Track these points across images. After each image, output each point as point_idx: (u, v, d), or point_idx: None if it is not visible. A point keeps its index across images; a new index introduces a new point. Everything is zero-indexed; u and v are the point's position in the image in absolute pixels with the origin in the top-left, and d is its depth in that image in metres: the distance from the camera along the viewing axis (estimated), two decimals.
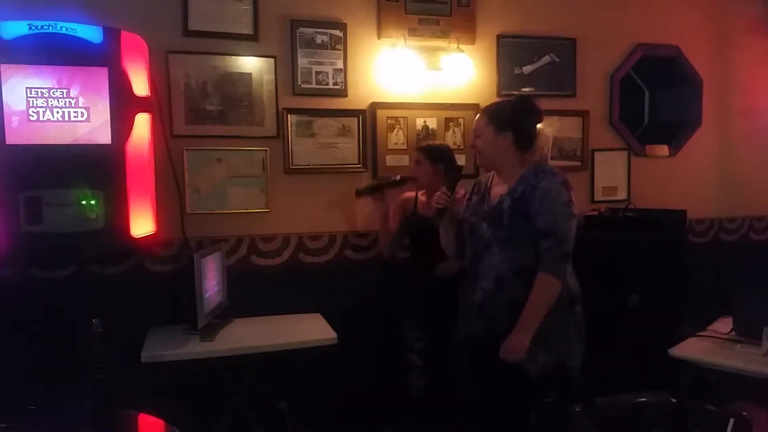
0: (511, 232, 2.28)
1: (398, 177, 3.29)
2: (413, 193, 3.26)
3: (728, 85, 4.29)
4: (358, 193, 3.28)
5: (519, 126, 2.34)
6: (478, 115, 2.45)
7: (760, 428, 1.88)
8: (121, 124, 2.65)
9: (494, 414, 2.34)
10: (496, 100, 2.71)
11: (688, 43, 4.13)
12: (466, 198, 2.55)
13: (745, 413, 1.65)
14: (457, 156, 3.32)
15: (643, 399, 1.87)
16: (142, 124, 2.81)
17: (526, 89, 3.76)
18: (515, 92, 3.65)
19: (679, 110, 4.29)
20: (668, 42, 4.09)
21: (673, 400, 1.80)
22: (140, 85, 2.80)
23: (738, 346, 2.64)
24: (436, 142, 3.40)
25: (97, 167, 2.62)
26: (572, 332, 2.29)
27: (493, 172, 2.46)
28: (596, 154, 4.01)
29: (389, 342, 3.31)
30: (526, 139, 2.36)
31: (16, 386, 2.68)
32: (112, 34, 2.63)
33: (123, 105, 2.66)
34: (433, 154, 3.15)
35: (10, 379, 2.73)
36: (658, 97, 4.42)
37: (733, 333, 2.74)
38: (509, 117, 2.35)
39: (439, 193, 2.43)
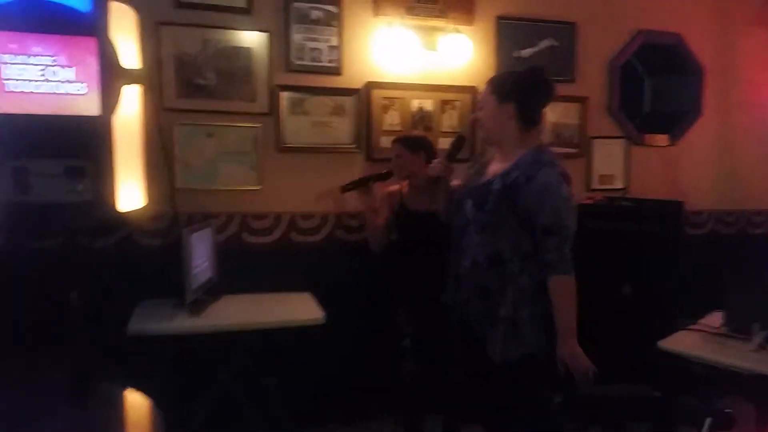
0: (492, 218, 2.18)
1: (384, 170, 3.24)
2: (397, 187, 3.20)
3: (730, 75, 4.23)
4: (344, 189, 3.25)
5: (523, 98, 2.19)
6: (484, 86, 2.32)
7: (748, 425, 1.86)
8: (109, 96, 2.58)
9: (479, 403, 2.32)
10: None
11: (689, 31, 4.07)
12: (467, 167, 2.48)
13: (728, 410, 1.62)
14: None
15: (625, 392, 1.86)
16: (131, 96, 2.76)
17: None
18: None
19: (679, 99, 4.24)
20: (670, 29, 4.03)
21: (656, 394, 1.78)
22: (129, 57, 2.74)
23: (728, 341, 2.62)
24: (413, 133, 3.37)
25: (84, 138, 2.55)
26: (541, 322, 2.16)
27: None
28: (594, 141, 3.96)
29: (380, 325, 3.30)
30: (530, 113, 2.21)
31: None
32: (100, 4, 2.55)
33: (111, 76, 2.58)
34: (410, 144, 3.10)
35: None
36: (658, 86, 4.36)
37: (724, 327, 2.72)
38: (513, 87, 2.20)
39: (435, 161, 2.39)
